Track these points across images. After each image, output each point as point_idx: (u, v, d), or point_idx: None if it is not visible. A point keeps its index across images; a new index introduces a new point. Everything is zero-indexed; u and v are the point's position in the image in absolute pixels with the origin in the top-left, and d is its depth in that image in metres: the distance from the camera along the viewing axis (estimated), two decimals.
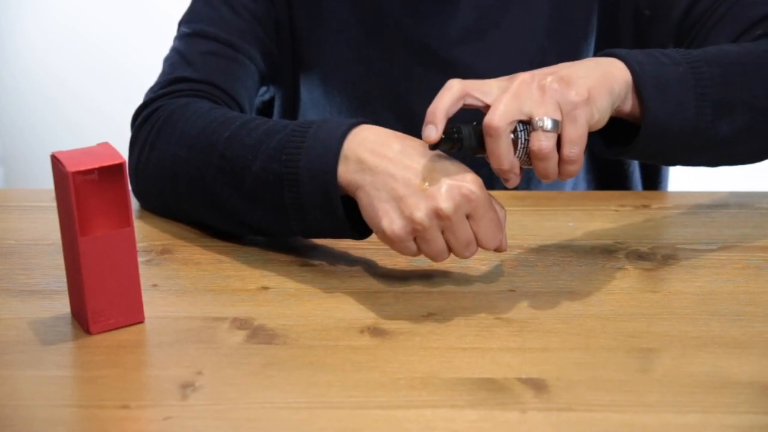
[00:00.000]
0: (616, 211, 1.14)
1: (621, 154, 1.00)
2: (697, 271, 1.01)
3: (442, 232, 0.92)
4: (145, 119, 1.13)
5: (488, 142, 0.91)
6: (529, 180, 1.26)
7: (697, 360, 0.86)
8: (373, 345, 0.89)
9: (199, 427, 0.79)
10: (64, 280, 0.94)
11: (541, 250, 1.05)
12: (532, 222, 1.11)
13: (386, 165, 0.93)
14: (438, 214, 0.91)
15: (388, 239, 0.93)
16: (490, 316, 0.93)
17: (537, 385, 0.83)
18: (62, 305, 0.94)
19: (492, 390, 0.82)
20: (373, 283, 0.99)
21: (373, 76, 1.24)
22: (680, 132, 0.98)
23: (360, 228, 0.98)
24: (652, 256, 1.03)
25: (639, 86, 0.96)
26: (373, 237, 1.06)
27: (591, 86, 0.93)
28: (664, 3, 1.18)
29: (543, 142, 0.91)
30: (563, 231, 1.09)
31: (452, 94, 0.92)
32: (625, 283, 0.98)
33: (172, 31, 1.26)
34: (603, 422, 0.79)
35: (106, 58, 2.62)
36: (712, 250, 1.05)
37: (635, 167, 1.31)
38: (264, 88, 1.30)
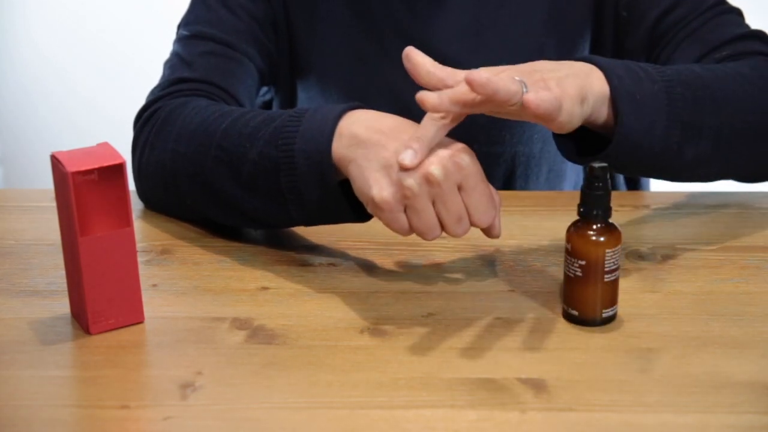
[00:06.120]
0: (616, 211, 1.14)
1: (587, 163, 1.00)
2: (696, 271, 1.01)
3: (433, 204, 0.90)
4: (145, 121, 1.13)
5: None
6: (527, 178, 1.26)
7: (697, 360, 0.86)
8: (373, 345, 0.89)
9: (199, 427, 0.79)
10: (64, 280, 0.94)
11: (541, 250, 1.05)
12: (532, 222, 1.11)
13: (379, 138, 0.92)
14: (428, 180, 0.89)
15: (377, 207, 0.91)
16: (490, 316, 0.93)
17: (537, 385, 0.83)
18: (62, 305, 0.94)
19: (492, 390, 0.82)
20: (373, 283, 0.99)
21: (370, 73, 1.25)
22: (648, 151, 0.98)
23: (359, 211, 0.97)
24: (652, 256, 1.03)
25: (616, 101, 0.96)
26: (373, 237, 1.06)
27: (565, 87, 0.92)
28: (639, 6, 1.19)
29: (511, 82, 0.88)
30: (563, 231, 1.09)
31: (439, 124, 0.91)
32: (625, 283, 0.98)
33: (172, 29, 1.26)
34: (603, 422, 0.79)
35: (107, 57, 2.62)
36: (712, 250, 1.05)
37: None
38: (264, 89, 1.30)
